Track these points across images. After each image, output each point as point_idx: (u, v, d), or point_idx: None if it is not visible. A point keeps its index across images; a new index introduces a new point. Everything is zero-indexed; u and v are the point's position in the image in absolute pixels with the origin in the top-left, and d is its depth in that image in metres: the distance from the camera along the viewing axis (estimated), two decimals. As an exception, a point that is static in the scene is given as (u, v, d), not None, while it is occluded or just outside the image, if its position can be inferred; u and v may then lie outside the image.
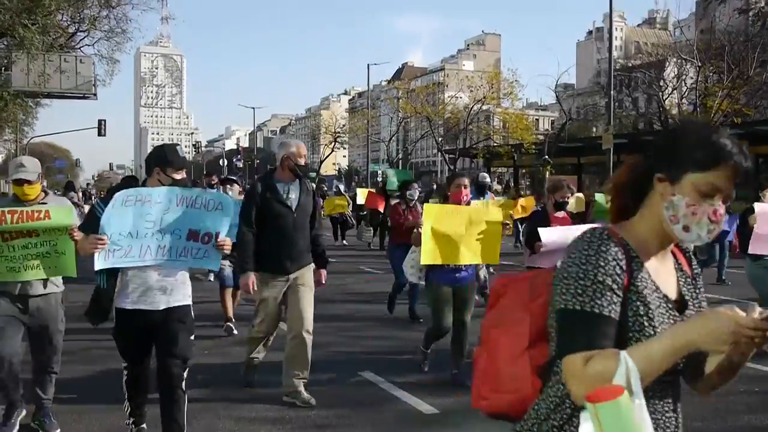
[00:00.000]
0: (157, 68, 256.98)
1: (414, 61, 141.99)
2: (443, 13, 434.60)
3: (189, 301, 4.27)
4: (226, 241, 4.19)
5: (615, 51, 27.34)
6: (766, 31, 35.03)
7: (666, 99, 37.83)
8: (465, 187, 6.07)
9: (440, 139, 48.52)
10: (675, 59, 38.81)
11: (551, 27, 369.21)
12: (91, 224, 4.11)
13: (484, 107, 45.96)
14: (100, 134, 41.84)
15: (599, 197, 9.79)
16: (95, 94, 32.82)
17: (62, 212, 4.44)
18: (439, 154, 53.97)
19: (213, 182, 11.18)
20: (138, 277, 4.07)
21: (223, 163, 78.48)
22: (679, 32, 46.26)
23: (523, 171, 46.23)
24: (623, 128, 48.18)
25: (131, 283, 4.07)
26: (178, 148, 4.31)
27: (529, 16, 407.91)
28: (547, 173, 28.34)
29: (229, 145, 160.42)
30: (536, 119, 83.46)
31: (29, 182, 4.51)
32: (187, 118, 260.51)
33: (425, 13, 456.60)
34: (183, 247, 4.08)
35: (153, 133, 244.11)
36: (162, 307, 4.10)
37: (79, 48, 32.66)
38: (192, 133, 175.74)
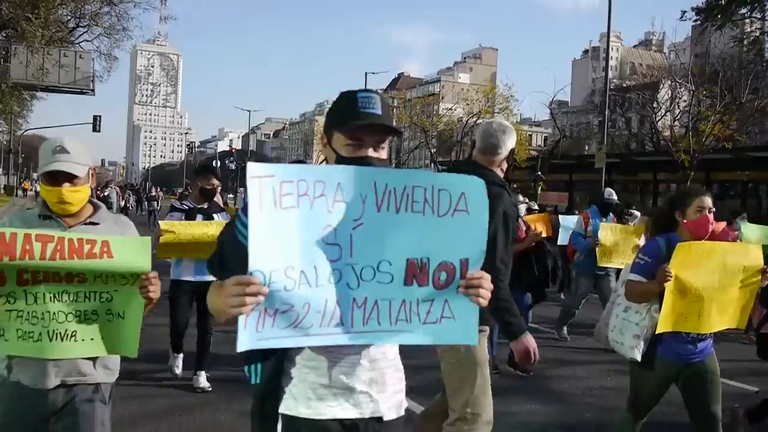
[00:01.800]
0: (152, 66, 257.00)
1: (410, 71, 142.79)
2: (441, 26, 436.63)
3: (402, 395, 2.16)
4: (483, 278, 1.85)
5: (610, 71, 27.73)
6: (759, 58, 35.56)
7: (659, 121, 38.34)
8: (711, 212, 3.83)
9: (434, 150, 48.86)
10: (669, 82, 39.36)
11: (548, 44, 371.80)
12: (227, 257, 1.94)
13: (479, 121, 46.39)
14: (95, 130, 41.97)
15: (745, 228, 7.77)
16: (93, 90, 33.06)
17: (133, 247, 2.46)
18: (433, 164, 54.32)
19: None
20: (323, 358, 1.98)
21: (216, 164, 78.50)
22: (674, 55, 46.84)
23: (515, 186, 46.63)
24: (615, 148, 48.78)
25: (312, 374, 2.00)
26: (372, 94, 2.05)
27: (526, 33, 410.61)
28: (539, 189, 28.63)
29: (222, 146, 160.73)
30: (529, 135, 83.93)
31: (73, 179, 2.52)
32: (181, 117, 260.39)
33: (423, 25, 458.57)
34: (400, 300, 1.84)
35: (146, 131, 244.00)
36: (368, 412, 2.03)
37: (78, 43, 32.93)
38: (186, 133, 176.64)
